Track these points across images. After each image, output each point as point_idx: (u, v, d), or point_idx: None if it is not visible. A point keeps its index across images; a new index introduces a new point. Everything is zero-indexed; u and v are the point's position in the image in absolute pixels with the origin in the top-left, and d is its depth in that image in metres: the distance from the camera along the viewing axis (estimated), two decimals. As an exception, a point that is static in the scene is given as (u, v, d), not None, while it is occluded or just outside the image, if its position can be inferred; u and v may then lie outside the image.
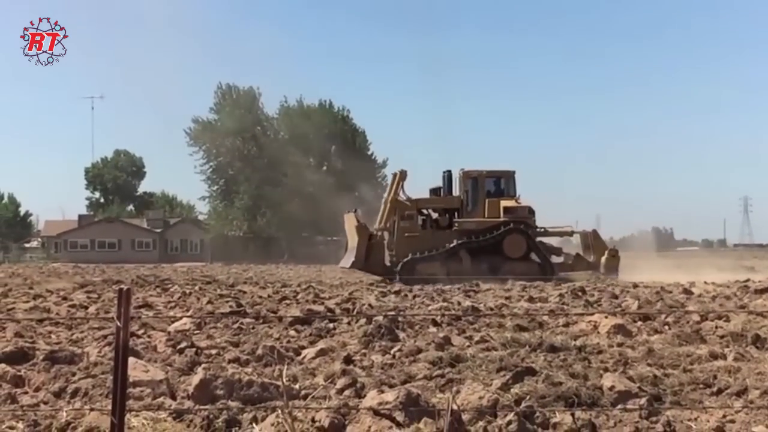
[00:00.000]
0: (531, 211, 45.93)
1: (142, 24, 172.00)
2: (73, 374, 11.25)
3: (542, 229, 47.43)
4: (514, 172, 47.37)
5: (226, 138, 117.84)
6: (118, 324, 6.21)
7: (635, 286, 31.49)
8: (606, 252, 45.84)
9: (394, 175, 46.73)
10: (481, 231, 44.62)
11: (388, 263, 45.02)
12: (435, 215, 47.16)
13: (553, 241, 49.90)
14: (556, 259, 46.28)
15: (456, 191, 46.95)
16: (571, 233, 50.05)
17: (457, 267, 43.37)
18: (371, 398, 8.87)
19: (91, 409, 8.63)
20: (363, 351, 13.69)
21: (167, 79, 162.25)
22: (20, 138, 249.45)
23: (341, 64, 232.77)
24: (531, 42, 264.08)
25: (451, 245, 44.38)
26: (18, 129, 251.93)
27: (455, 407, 8.00)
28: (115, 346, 6.36)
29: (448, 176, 47.80)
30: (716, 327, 16.15)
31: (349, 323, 17.65)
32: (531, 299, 25.18)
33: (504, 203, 45.10)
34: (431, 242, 44.78)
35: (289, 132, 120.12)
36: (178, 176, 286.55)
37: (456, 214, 46.17)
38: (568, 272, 44.94)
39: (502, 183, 46.64)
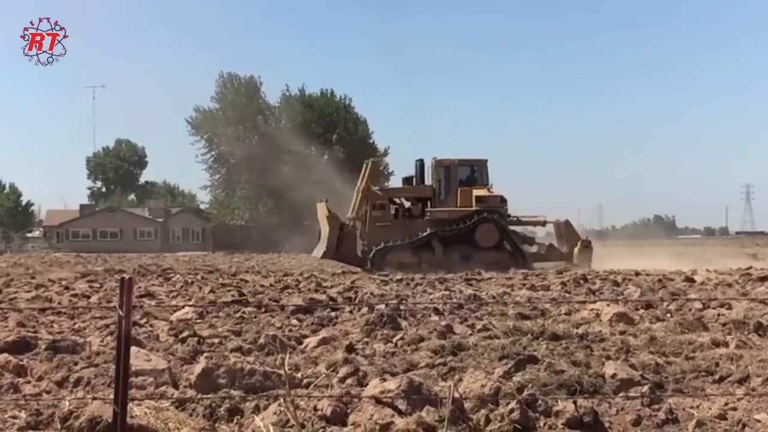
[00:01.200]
0: (503, 200, 45.75)
1: (143, 13, 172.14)
2: (76, 363, 11.26)
3: (515, 219, 47.44)
4: (486, 161, 47.33)
5: (227, 127, 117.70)
6: (120, 313, 6.21)
7: (637, 274, 31.47)
8: (579, 243, 45.62)
9: (366, 164, 46.58)
10: (453, 220, 44.59)
11: (360, 253, 44.94)
12: (407, 204, 47.07)
13: (541, 232, 50.02)
14: (529, 249, 46.21)
15: (429, 180, 46.78)
16: (543, 223, 49.74)
17: (429, 256, 43.44)
18: (373, 387, 8.87)
19: (94, 398, 8.63)
20: (365, 339, 13.69)
21: (168, 68, 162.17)
22: (22, 128, 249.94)
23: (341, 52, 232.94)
24: (528, 25, 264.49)
25: (423, 234, 44.29)
26: (19, 119, 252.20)
27: (457, 395, 8.00)
28: (118, 336, 6.36)
29: (420, 165, 47.73)
30: (718, 315, 16.13)
31: (351, 312, 17.66)
32: (533, 287, 25.21)
33: (476, 192, 44.93)
34: (403, 231, 44.69)
35: (290, 121, 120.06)
36: (180, 166, 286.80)
37: (428, 203, 46.08)
38: (540, 262, 44.77)
39: (474, 172, 46.52)
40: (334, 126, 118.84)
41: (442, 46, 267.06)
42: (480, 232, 44.08)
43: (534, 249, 46.51)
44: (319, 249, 45.11)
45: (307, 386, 9.77)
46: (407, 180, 47.90)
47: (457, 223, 44.35)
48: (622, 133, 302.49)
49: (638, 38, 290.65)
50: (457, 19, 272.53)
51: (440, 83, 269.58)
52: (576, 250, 45.05)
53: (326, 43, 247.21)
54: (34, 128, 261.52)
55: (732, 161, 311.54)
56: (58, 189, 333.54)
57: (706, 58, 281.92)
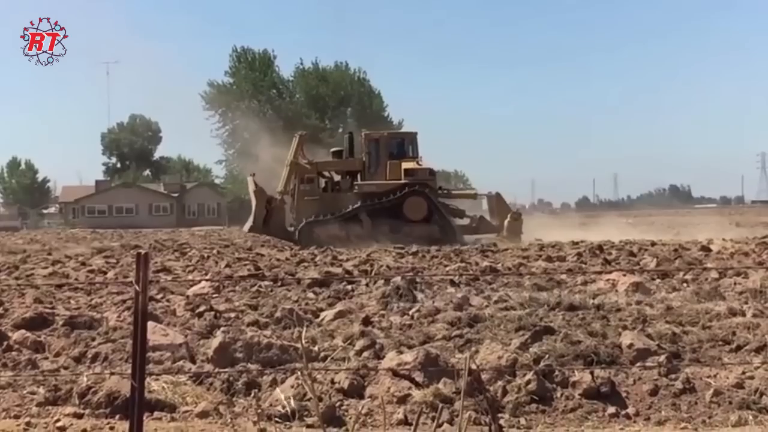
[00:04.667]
0: (432, 173, 45.36)
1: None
2: (93, 339, 11.32)
3: (445, 191, 47.33)
4: (416, 134, 47.07)
5: (241, 101, 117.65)
6: (137, 288, 6.22)
7: (653, 244, 31.42)
8: (509, 215, 45.11)
9: (295, 137, 46.31)
10: (381, 193, 44.01)
11: (290, 227, 44.73)
12: (337, 178, 46.61)
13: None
14: (459, 222, 45.75)
15: (359, 154, 46.53)
16: (474, 196, 49.80)
17: (357, 229, 42.92)
18: (390, 359, 8.90)
19: (111, 374, 8.67)
20: (381, 312, 13.70)
21: (182, 43, 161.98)
22: (37, 105, 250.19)
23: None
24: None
25: (351, 208, 43.93)
26: (34, 96, 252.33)
27: (474, 366, 8.00)
28: (134, 311, 6.38)
29: (349, 138, 47.56)
30: (735, 284, 16.10)
31: (367, 285, 17.66)
32: (549, 258, 25.15)
33: (405, 165, 44.36)
34: (331, 205, 44.30)
35: (304, 94, 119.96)
36: (194, 141, 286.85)
37: (358, 176, 45.58)
38: (471, 235, 44.52)
39: (405, 145, 46.17)
40: (348, 99, 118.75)
41: (457, 18, 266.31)
42: (408, 205, 43.56)
43: (465, 222, 46.01)
44: (248, 223, 45.06)
45: (324, 359, 9.79)
46: (337, 153, 47.46)
47: (385, 196, 43.87)
48: (636, 103, 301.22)
49: (648, 5, 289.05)
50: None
51: (456, 58, 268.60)
52: (506, 222, 44.57)
53: (342, 15, 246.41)
54: (49, 105, 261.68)
55: (748, 130, 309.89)
56: (74, 165, 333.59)
57: (721, 24, 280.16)
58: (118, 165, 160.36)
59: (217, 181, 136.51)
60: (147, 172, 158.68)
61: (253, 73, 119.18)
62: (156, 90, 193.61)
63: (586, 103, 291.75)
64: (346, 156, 46.41)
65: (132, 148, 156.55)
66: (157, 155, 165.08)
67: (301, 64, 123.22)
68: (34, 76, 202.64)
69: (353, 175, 45.65)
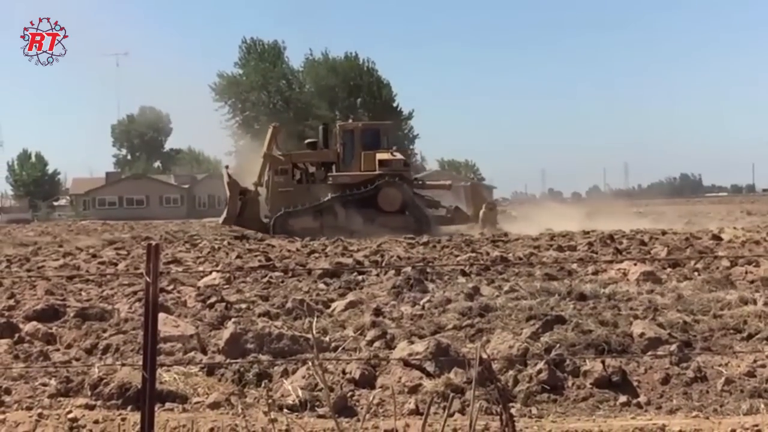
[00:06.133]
0: (406, 164, 45.61)
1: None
2: (104, 331, 11.34)
3: (420, 182, 47.54)
4: (390, 124, 47.77)
5: (251, 92, 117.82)
6: (148, 279, 6.22)
7: (664, 233, 31.38)
8: (484, 205, 45.04)
9: (269, 128, 46.35)
10: (355, 184, 44.14)
11: (264, 218, 44.66)
12: (312, 169, 46.52)
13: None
14: (435, 213, 45.66)
15: (334, 145, 46.57)
16: (449, 186, 49.46)
17: (331, 221, 43.04)
18: (401, 349, 8.90)
19: (123, 365, 8.69)
20: (392, 302, 13.70)
21: (191, 34, 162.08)
22: (47, 97, 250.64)
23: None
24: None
25: (325, 199, 43.93)
26: (44, 88, 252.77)
27: (485, 356, 8.00)
28: (145, 302, 6.38)
29: (324, 129, 47.78)
30: (746, 272, 16.07)
31: (377, 275, 17.68)
32: (560, 248, 25.13)
33: (379, 156, 44.35)
34: (306, 197, 44.29)
35: (314, 85, 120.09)
36: (204, 132, 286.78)
37: (333, 168, 45.58)
38: (446, 225, 44.29)
39: (379, 136, 46.27)
40: (358, 89, 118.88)
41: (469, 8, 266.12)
42: (383, 195, 43.65)
43: (442, 212, 45.92)
44: (223, 215, 45.27)
45: (335, 350, 9.81)
46: (311, 145, 47.63)
47: (359, 187, 43.99)
48: (645, 90, 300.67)
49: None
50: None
51: (466, 47, 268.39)
52: (481, 212, 44.38)
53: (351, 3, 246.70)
54: (59, 98, 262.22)
55: (758, 117, 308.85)
56: (84, 157, 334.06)
57: (731, 9, 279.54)
58: (129, 157, 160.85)
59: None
60: (157, 163, 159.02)
61: (262, 64, 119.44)
62: (166, 81, 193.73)
63: (596, 91, 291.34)
64: (321, 147, 46.54)
65: (142, 139, 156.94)
66: (167, 147, 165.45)
67: (311, 54, 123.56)
68: (43, 69, 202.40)
69: (328, 167, 45.70)
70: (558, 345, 9.05)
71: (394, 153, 45.20)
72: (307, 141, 49.20)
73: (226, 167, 46.34)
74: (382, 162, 44.13)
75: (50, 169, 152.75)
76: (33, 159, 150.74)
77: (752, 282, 14.78)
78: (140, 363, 6.77)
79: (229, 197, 44.03)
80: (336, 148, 46.03)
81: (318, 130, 49.02)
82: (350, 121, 49.43)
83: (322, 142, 46.84)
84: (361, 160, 44.74)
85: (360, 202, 43.77)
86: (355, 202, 43.75)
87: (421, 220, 43.76)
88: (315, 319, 11.58)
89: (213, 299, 13.96)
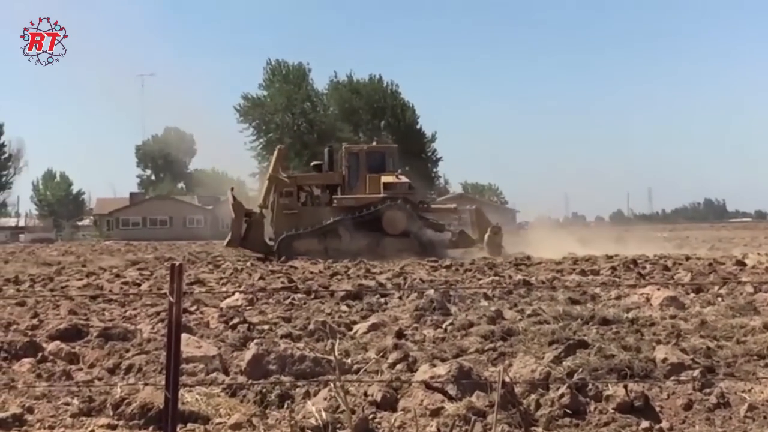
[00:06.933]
0: (411, 187, 45.50)
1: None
2: (127, 351, 11.36)
3: (425, 206, 47.30)
4: (396, 148, 47.89)
5: (275, 114, 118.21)
6: (171, 299, 6.25)
7: (687, 258, 31.30)
8: (489, 229, 44.80)
9: (276, 150, 46.54)
10: (360, 207, 44.26)
11: (270, 241, 44.75)
12: (317, 192, 46.81)
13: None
14: (439, 236, 45.60)
15: (339, 168, 46.57)
16: (454, 210, 49.86)
17: (336, 243, 43.17)
18: (423, 372, 8.89)
19: (146, 384, 8.70)
20: (415, 325, 13.70)
21: (216, 56, 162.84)
22: (72, 117, 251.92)
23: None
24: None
25: (329, 222, 43.98)
26: (70, 108, 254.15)
27: (507, 379, 7.99)
28: (168, 322, 6.41)
29: (329, 152, 47.74)
30: (770, 298, 16.01)
31: (400, 298, 17.70)
32: (582, 272, 25.09)
33: (384, 179, 44.50)
34: (310, 219, 44.39)
35: (338, 107, 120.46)
36: (228, 153, 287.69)
37: (338, 190, 45.83)
38: (451, 249, 44.37)
39: (385, 159, 46.37)
40: (381, 112, 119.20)
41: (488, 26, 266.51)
42: (387, 218, 43.69)
43: (447, 236, 45.77)
44: (227, 237, 45.31)
45: (357, 372, 9.80)
46: (316, 167, 47.88)
47: (364, 209, 44.12)
48: (670, 115, 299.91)
49: (678, 12, 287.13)
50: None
51: (487, 71, 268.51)
52: (486, 236, 44.28)
53: (374, 27, 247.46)
54: (84, 117, 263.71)
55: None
56: (108, 178, 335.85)
57: (754, 41, 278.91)
58: (153, 177, 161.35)
59: (251, 194, 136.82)
60: (181, 184, 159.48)
61: (287, 86, 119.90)
62: (191, 102, 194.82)
63: (620, 116, 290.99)
64: (326, 170, 46.71)
65: (166, 160, 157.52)
66: (191, 168, 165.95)
67: (335, 76, 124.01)
68: (69, 89, 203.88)
69: (333, 189, 46.12)
70: (580, 369, 9.02)
71: (399, 176, 45.36)
72: (312, 163, 49.68)
73: (232, 189, 47.04)
74: (386, 185, 44.33)
75: (74, 189, 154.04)
76: (57, 179, 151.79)
77: (776, 308, 14.72)
78: (162, 383, 6.79)
79: (234, 219, 44.32)
80: (341, 171, 46.11)
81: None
82: (374, 143, 49.45)
83: (327, 164, 46.94)
84: (366, 183, 45.02)
85: (364, 225, 43.82)
86: (359, 224, 43.80)
87: (425, 244, 43.82)
88: (337, 340, 11.57)
89: (235, 320, 13.99)
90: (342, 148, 47.36)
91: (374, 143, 51.85)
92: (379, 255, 38.83)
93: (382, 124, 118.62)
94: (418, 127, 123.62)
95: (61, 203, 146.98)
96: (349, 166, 45.81)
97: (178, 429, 6.85)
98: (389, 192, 44.05)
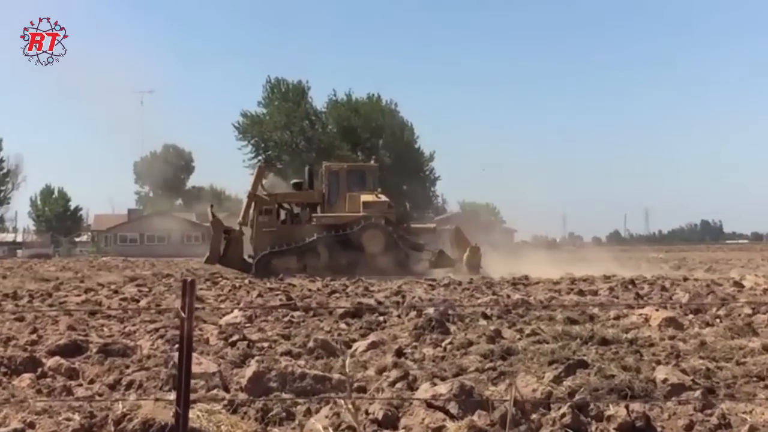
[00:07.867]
0: (390, 206, 45.74)
1: (190, 18, 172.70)
2: (127, 367, 11.38)
3: (404, 225, 47.77)
4: (377, 167, 48.59)
5: (274, 131, 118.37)
6: (182, 315, 6.26)
7: (685, 279, 31.36)
8: (468, 249, 45.16)
9: (256, 168, 46.81)
10: (339, 226, 44.53)
11: (250, 258, 44.86)
12: (297, 210, 47.08)
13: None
14: (418, 256, 45.62)
15: (319, 186, 46.89)
16: (433, 229, 49.88)
17: (315, 261, 43.48)
18: (424, 390, 8.90)
19: (156, 400, 8.71)
20: (414, 344, 13.71)
21: (215, 73, 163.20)
22: (70, 133, 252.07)
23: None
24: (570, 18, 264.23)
25: (308, 240, 44.21)
26: (68, 124, 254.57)
27: (518, 396, 8.02)
28: (180, 337, 6.42)
29: (309, 171, 48.25)
30: (768, 320, 16.06)
31: (399, 316, 17.72)
32: (581, 292, 25.11)
33: (364, 198, 44.81)
34: (289, 237, 44.64)
35: (337, 125, 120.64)
36: (227, 170, 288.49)
37: (318, 208, 46.09)
38: (430, 269, 44.26)
39: (365, 177, 46.81)
40: (380, 131, 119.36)
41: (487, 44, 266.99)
42: (366, 237, 43.95)
43: (426, 255, 45.73)
44: (206, 254, 45.51)
45: (357, 390, 9.82)
46: (297, 185, 48.04)
47: (343, 228, 44.38)
48: (667, 137, 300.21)
49: (676, 37, 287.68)
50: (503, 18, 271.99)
51: (486, 92, 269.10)
52: (465, 255, 44.63)
53: (373, 45, 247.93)
54: (82, 134, 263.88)
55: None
56: (106, 194, 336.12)
57: (750, 61, 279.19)
58: (151, 194, 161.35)
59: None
60: (179, 201, 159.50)
61: (286, 104, 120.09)
62: (189, 119, 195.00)
63: (616, 137, 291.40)
64: (306, 188, 47.03)
65: (164, 177, 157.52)
66: (189, 185, 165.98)
67: (335, 95, 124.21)
68: (68, 105, 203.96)
69: (312, 207, 46.41)
70: (581, 389, 9.04)
71: (379, 195, 45.53)
72: (293, 181, 49.74)
73: (211, 206, 47.77)
74: (366, 204, 44.62)
75: (72, 205, 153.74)
76: (56, 194, 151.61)
77: (774, 330, 14.76)
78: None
79: (213, 236, 44.82)
80: (321, 189, 46.42)
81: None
82: (372, 162, 49.63)
83: (308, 182, 47.30)
84: (345, 202, 45.26)
85: (344, 244, 44.17)
86: (338, 243, 44.14)
87: (404, 263, 44.03)
88: (348, 357, 11.58)
89: (235, 337, 14.00)
90: (323, 166, 47.80)
91: (372, 161, 51.97)
92: (357, 273, 38.84)
93: (380, 142, 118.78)
94: (416, 146, 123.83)
95: (58, 219, 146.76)
96: (329, 184, 46.24)
97: (180, 445, 6.86)
98: (369, 211, 44.32)
